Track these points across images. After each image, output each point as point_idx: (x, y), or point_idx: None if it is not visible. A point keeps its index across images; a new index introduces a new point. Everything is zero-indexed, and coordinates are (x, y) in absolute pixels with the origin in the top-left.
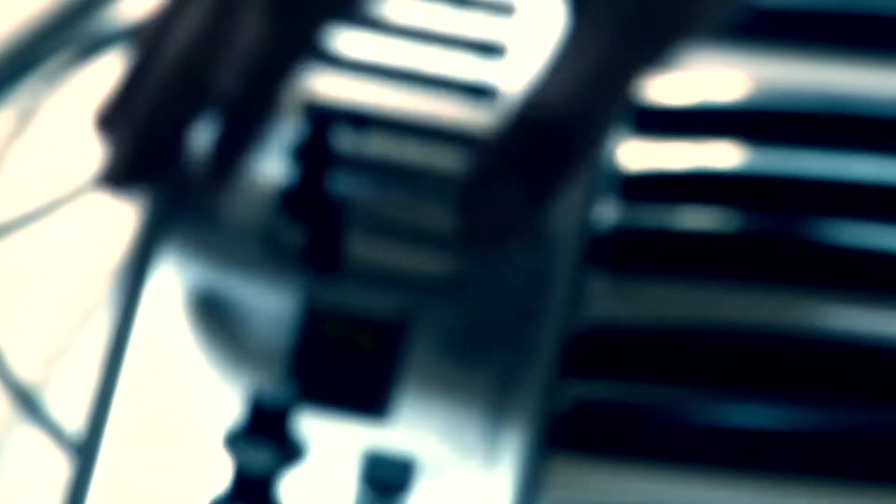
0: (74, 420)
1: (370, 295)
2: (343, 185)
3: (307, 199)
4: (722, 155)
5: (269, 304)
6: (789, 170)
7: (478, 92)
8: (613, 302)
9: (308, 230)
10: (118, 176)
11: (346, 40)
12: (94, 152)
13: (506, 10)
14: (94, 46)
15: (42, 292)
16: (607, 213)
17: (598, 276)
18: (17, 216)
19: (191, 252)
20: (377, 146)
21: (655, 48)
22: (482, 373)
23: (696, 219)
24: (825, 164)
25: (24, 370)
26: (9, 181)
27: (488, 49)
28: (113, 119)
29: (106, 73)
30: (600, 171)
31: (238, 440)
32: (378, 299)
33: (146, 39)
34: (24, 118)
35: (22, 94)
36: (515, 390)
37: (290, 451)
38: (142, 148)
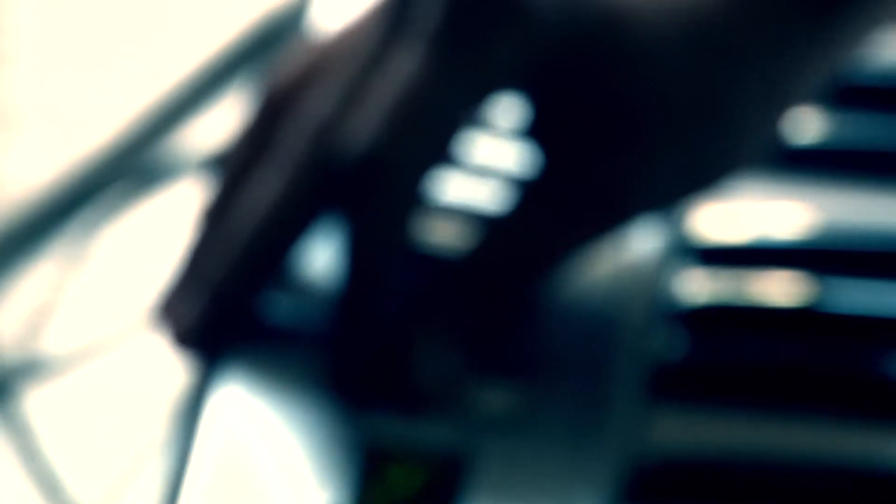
0: None
1: (428, 430)
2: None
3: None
4: (786, 288)
5: (328, 438)
6: (854, 302)
7: None
8: (678, 431)
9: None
10: (189, 338)
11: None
12: (152, 286)
13: None
14: (150, 179)
15: (100, 428)
16: (670, 341)
17: (661, 406)
18: (76, 350)
19: (248, 386)
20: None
21: (592, 226)
22: None
23: (762, 349)
24: (889, 297)
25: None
26: (66, 315)
27: None
28: (183, 287)
29: (163, 205)
30: (662, 302)
31: None
32: (436, 434)
33: (216, 207)
34: (82, 250)
35: (79, 227)
36: None
37: None
38: (214, 313)
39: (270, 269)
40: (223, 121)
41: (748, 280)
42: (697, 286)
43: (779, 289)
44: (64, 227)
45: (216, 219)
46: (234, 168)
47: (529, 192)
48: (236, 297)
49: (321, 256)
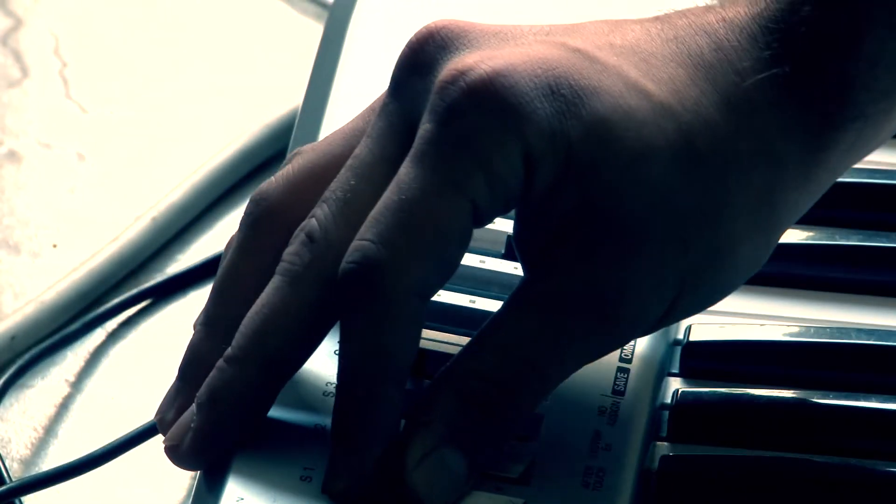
0: None
1: None
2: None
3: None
4: (775, 387)
5: None
6: (838, 406)
7: None
8: None
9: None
10: (181, 450)
11: None
12: (157, 394)
13: None
14: (157, 295)
15: None
16: (658, 453)
17: None
18: (85, 455)
19: (255, 490)
20: None
21: (589, 340)
22: None
23: (744, 464)
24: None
25: None
26: (75, 425)
27: None
28: (177, 398)
29: (168, 321)
30: (650, 412)
31: None
32: None
33: (209, 317)
34: (90, 365)
35: (88, 342)
36: None
37: None
38: (214, 427)
39: (277, 381)
40: (229, 230)
41: (736, 379)
42: (687, 386)
43: (767, 387)
44: (72, 338)
45: (210, 328)
46: (227, 277)
47: (522, 300)
48: (240, 410)
49: (323, 362)
